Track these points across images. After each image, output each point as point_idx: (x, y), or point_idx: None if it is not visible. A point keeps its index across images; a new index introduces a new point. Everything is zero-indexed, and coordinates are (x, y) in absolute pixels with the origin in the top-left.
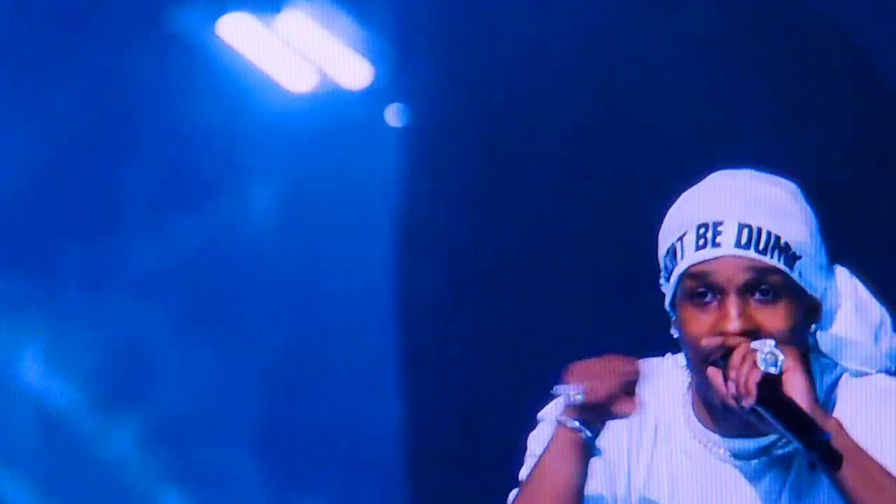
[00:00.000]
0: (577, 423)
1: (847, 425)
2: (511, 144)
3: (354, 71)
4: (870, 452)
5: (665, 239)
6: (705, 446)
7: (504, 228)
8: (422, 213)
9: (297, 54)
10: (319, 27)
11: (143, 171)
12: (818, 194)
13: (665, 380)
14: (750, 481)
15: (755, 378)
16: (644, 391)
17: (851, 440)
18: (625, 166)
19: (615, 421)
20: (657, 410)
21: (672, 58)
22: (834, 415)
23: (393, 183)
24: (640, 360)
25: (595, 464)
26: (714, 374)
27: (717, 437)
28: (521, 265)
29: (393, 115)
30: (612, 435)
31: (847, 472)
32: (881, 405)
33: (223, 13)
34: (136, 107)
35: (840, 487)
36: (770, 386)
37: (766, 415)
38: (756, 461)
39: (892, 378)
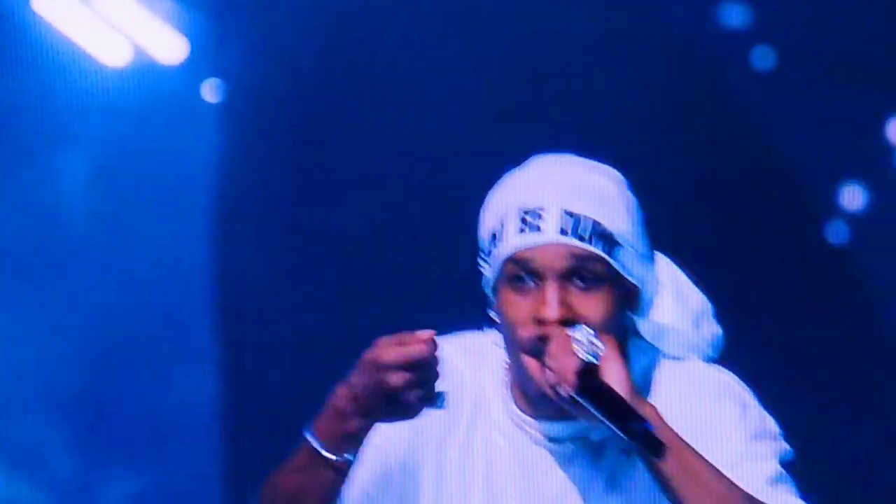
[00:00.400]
0: (337, 457)
1: (661, 409)
2: (328, 120)
3: (170, 45)
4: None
5: (486, 221)
6: (521, 428)
7: (321, 206)
8: (238, 190)
9: (112, 28)
10: (134, 1)
11: None
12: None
13: (484, 356)
14: (565, 464)
15: (573, 367)
16: (462, 365)
17: (669, 428)
18: (441, 146)
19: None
20: (475, 387)
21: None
22: (650, 399)
23: (209, 158)
24: (459, 335)
25: (401, 433)
26: (531, 362)
27: (532, 420)
28: (340, 242)
29: (209, 91)
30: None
31: (665, 460)
32: (694, 389)
33: None
34: None
35: (658, 476)
36: (588, 375)
37: (586, 404)
38: (572, 445)
39: (708, 364)
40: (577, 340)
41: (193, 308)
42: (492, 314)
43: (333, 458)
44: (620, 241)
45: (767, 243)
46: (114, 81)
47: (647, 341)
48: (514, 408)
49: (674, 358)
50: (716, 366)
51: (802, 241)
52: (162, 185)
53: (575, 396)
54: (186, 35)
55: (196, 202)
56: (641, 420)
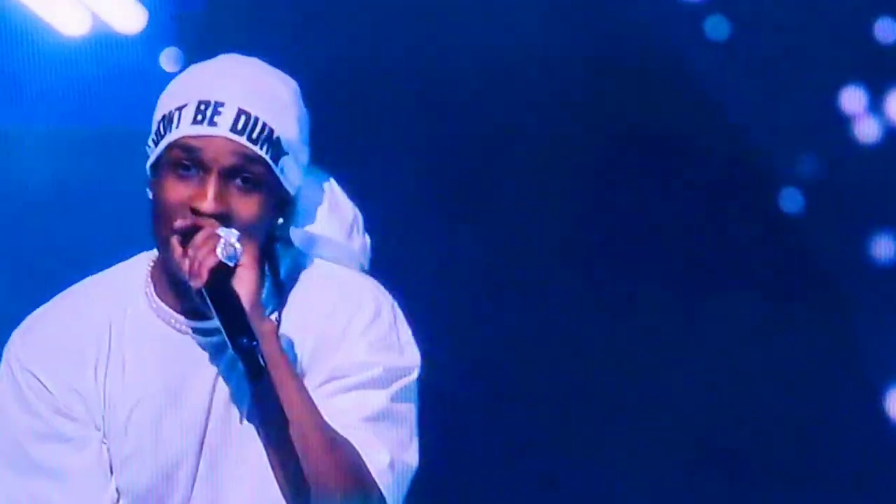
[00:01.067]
0: None
1: (298, 311)
2: None
3: (128, 15)
4: (315, 343)
5: (164, 104)
6: (167, 323)
7: None
8: None
9: None
10: None
11: None
12: None
13: (122, 274)
14: (211, 355)
15: (209, 263)
16: (98, 298)
17: (280, 350)
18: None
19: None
20: (110, 309)
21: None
22: (291, 298)
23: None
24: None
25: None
26: (177, 248)
27: (178, 314)
28: None
29: (167, 60)
30: (61, 360)
31: (263, 382)
32: (332, 293)
33: None
34: None
35: (254, 393)
36: (221, 275)
37: (209, 302)
38: (215, 338)
39: (354, 272)
40: (222, 240)
41: None
42: (149, 192)
43: None
44: (287, 149)
45: (723, 214)
46: (73, 51)
47: (298, 249)
48: (161, 304)
49: (321, 266)
50: (362, 274)
51: (758, 210)
52: (119, 155)
53: (203, 291)
54: (144, 4)
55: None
56: (252, 338)
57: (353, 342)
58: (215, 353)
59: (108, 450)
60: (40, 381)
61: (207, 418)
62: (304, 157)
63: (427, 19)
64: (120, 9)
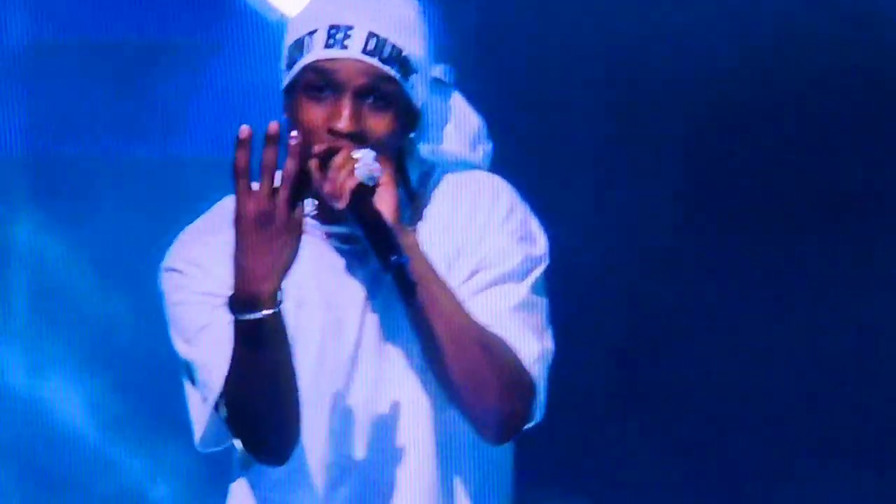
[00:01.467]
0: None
1: (434, 213)
2: None
3: None
4: (458, 244)
5: (294, 30)
6: (310, 233)
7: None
8: None
9: None
10: None
11: None
12: None
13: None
14: (351, 261)
15: (350, 185)
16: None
17: (426, 262)
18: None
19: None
20: None
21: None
22: (427, 207)
23: None
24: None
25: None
26: (315, 168)
27: (318, 222)
28: None
29: None
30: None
31: (416, 293)
32: (465, 190)
33: None
34: None
35: (404, 301)
36: (362, 195)
37: (354, 221)
38: (355, 245)
39: (480, 171)
40: (360, 160)
41: None
42: (285, 115)
43: (261, 314)
44: (416, 67)
45: None
46: None
47: (424, 159)
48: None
49: (448, 171)
50: (487, 172)
51: None
52: None
53: (347, 211)
54: None
55: None
56: (399, 254)
57: (494, 233)
58: (360, 259)
59: None
60: (198, 274)
61: (362, 322)
62: (430, 74)
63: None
64: None
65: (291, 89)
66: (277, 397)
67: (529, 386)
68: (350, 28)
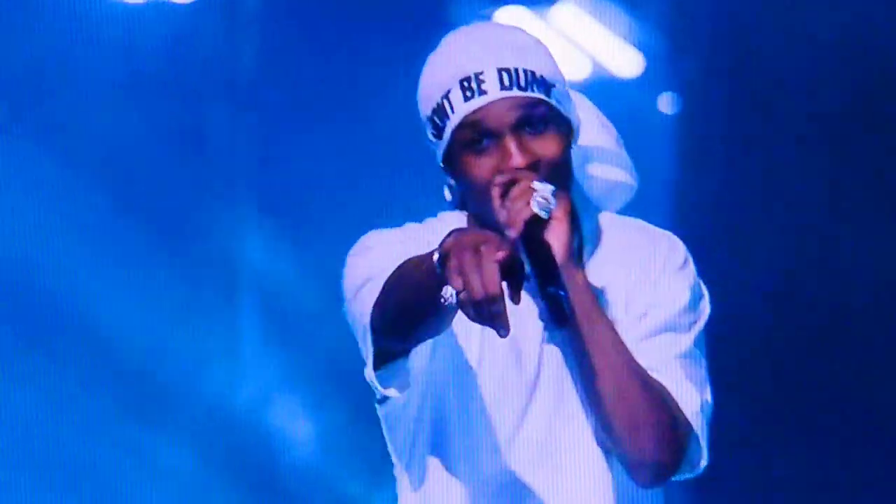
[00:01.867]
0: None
1: (607, 255)
2: (773, 133)
3: (627, 60)
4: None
5: (427, 99)
6: None
7: (772, 213)
8: (694, 197)
9: (571, 45)
10: (592, 19)
11: None
12: None
13: (436, 222)
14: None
15: (524, 215)
16: (429, 234)
17: (593, 300)
18: None
19: None
20: (436, 242)
21: None
22: (603, 247)
23: (665, 167)
24: (410, 225)
25: None
26: (495, 197)
27: None
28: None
29: (665, 104)
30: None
31: (575, 325)
32: (640, 236)
33: (500, 5)
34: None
35: (568, 336)
36: (535, 227)
37: (523, 251)
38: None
39: (653, 226)
40: (536, 193)
41: None
42: (446, 193)
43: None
44: (552, 81)
45: None
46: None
47: (590, 201)
48: None
49: (621, 217)
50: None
51: None
52: None
53: (518, 241)
54: (641, 50)
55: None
56: (560, 287)
57: (668, 281)
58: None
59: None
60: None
61: (541, 354)
62: (565, 84)
63: None
64: (619, 55)
65: (449, 156)
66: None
67: (687, 435)
68: (480, 73)
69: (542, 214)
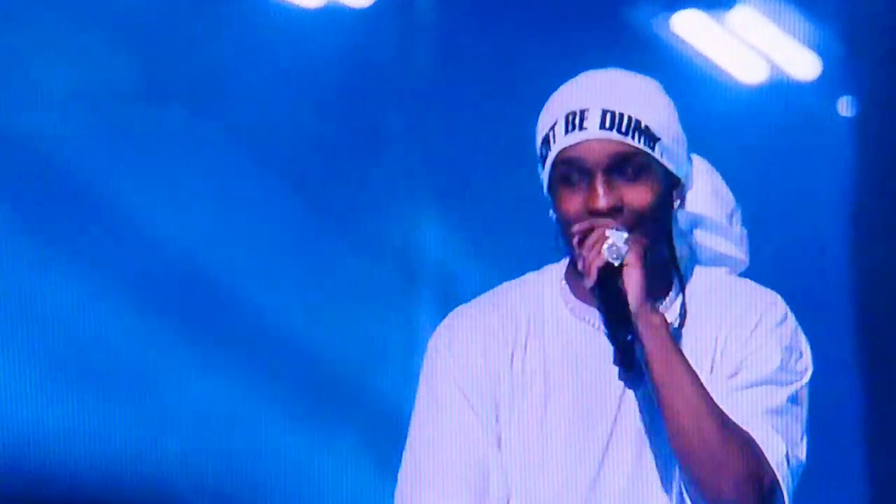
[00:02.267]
0: None
1: (705, 307)
2: None
3: (804, 63)
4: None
5: (541, 130)
6: (581, 319)
7: None
8: (870, 203)
9: (748, 47)
10: (769, 21)
11: None
12: None
13: (536, 279)
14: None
15: (598, 263)
16: (515, 297)
17: (670, 342)
18: None
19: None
20: (528, 306)
21: None
22: (695, 298)
23: (844, 172)
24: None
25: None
26: (574, 246)
27: (592, 308)
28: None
29: (844, 107)
30: (482, 344)
31: (652, 370)
32: (742, 293)
33: (676, 10)
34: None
35: (649, 379)
36: (609, 274)
37: (596, 299)
38: None
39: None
40: (609, 241)
41: None
42: (551, 214)
43: None
44: (659, 134)
45: None
46: (750, 98)
47: (691, 252)
48: (576, 300)
49: (719, 271)
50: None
51: None
52: (795, 195)
53: (593, 289)
54: (819, 52)
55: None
56: (628, 334)
57: (763, 339)
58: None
59: (505, 437)
60: (457, 361)
61: (618, 410)
62: (680, 141)
63: None
64: (796, 57)
65: (550, 187)
66: None
67: (770, 485)
68: (585, 110)
69: (614, 262)
